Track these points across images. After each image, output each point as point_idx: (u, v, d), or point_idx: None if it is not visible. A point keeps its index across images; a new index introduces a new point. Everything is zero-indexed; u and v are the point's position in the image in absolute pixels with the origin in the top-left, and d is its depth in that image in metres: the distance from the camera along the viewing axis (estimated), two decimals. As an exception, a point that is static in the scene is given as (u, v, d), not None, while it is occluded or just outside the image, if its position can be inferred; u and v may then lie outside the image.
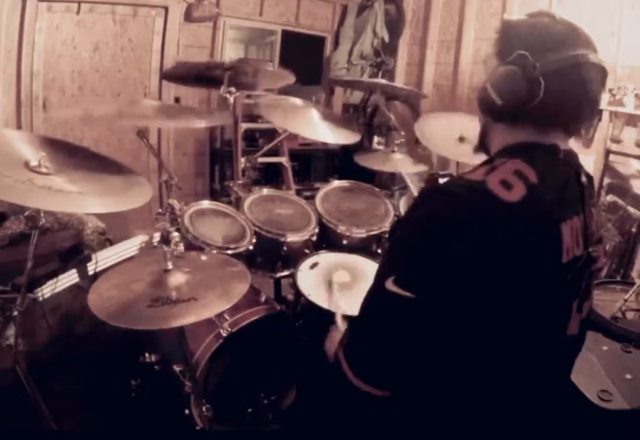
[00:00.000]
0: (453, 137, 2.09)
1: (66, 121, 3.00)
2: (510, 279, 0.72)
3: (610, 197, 2.46)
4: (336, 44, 4.19)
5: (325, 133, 2.06)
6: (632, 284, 1.90)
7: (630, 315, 1.73)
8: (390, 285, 0.73)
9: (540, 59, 0.76)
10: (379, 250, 1.96)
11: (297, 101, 2.16)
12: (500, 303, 0.74)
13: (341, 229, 1.91)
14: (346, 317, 1.28)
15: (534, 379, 0.82)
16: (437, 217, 0.74)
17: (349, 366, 0.79)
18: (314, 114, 2.09)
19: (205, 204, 1.89)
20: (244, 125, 3.30)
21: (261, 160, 2.52)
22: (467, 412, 0.80)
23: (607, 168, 2.46)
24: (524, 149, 0.81)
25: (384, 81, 2.49)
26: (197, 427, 1.45)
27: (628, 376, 1.41)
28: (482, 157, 0.91)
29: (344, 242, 1.91)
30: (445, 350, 0.77)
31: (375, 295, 0.79)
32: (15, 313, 1.29)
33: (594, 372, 1.43)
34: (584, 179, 0.84)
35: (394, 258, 0.79)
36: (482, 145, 0.92)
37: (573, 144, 0.87)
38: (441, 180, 0.84)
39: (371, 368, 0.79)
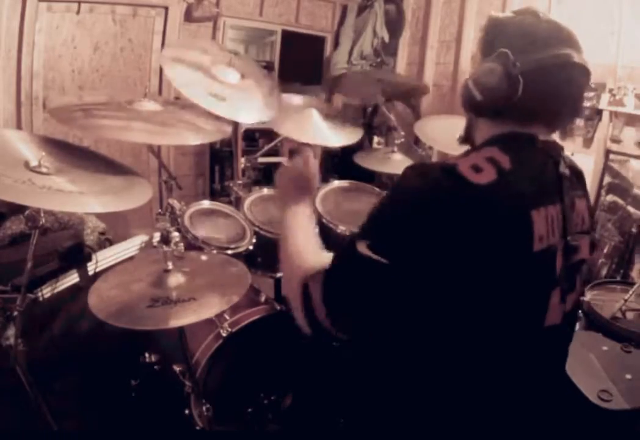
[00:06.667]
0: (453, 138, 2.09)
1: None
2: (477, 257, 0.73)
3: (610, 197, 2.46)
4: (336, 44, 4.19)
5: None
6: (632, 284, 1.90)
7: (630, 315, 1.74)
8: (362, 248, 0.76)
9: (522, 58, 0.77)
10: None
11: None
12: (467, 280, 0.74)
13: (341, 229, 1.91)
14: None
15: (512, 365, 0.81)
16: (410, 191, 0.78)
17: (323, 301, 0.79)
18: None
19: (205, 204, 1.89)
20: (244, 125, 3.30)
21: (261, 160, 2.52)
22: (447, 395, 0.80)
23: (607, 168, 2.45)
24: (502, 138, 0.83)
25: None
26: (197, 427, 1.46)
27: (628, 376, 1.42)
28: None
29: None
30: (416, 317, 0.79)
31: (346, 254, 0.81)
32: (15, 313, 1.29)
33: (594, 372, 1.43)
34: (563, 169, 0.85)
35: (371, 225, 0.82)
36: (467, 138, 0.95)
37: (573, 144, 0.88)
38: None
39: (340, 311, 0.80)
